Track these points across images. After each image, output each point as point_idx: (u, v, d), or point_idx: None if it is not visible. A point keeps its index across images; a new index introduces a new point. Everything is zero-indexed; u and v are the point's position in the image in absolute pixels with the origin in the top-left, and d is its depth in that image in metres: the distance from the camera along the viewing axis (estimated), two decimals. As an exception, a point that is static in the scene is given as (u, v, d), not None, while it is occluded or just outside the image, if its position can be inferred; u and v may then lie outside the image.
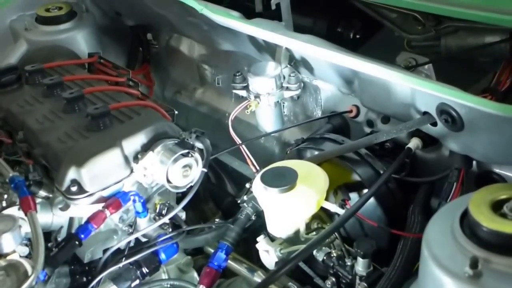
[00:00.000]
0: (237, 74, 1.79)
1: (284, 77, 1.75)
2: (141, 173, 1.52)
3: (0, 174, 1.55)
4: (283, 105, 1.89)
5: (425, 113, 1.41)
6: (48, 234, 1.51)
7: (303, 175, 1.42)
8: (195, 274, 1.63)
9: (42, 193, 1.52)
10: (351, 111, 1.74)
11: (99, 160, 1.47)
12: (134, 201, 1.51)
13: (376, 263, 1.38)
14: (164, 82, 2.51)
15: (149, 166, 1.50)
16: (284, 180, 1.41)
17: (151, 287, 1.51)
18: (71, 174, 1.47)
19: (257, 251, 1.50)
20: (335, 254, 1.44)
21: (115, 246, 1.52)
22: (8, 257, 1.31)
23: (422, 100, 1.39)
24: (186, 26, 2.10)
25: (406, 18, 1.69)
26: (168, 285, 1.55)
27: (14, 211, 1.46)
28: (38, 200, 1.49)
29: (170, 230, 1.57)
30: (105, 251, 1.53)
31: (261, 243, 1.49)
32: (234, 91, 1.81)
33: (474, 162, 1.46)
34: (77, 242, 1.43)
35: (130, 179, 1.53)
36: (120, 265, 1.48)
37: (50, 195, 1.53)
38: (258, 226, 1.59)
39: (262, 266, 1.54)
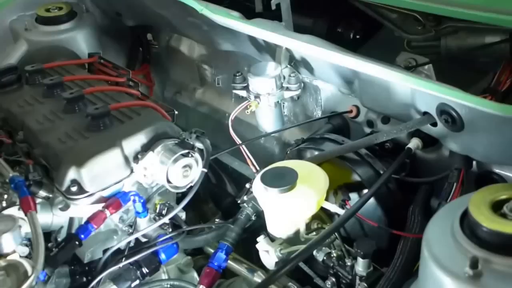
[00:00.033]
0: (237, 74, 1.79)
1: (284, 77, 1.75)
2: (141, 173, 1.52)
3: (0, 174, 1.55)
4: (283, 105, 1.89)
5: (425, 113, 1.41)
6: (48, 234, 1.51)
7: (303, 175, 1.42)
8: (195, 274, 1.63)
9: (42, 193, 1.52)
10: (351, 111, 1.74)
11: (99, 160, 1.47)
12: (134, 201, 1.51)
13: (376, 263, 1.38)
14: (164, 82, 2.51)
15: (149, 166, 1.50)
16: (284, 180, 1.41)
17: (151, 287, 1.51)
18: (71, 174, 1.47)
19: (257, 251, 1.50)
20: (335, 254, 1.44)
21: (115, 246, 1.52)
22: (8, 257, 1.31)
23: (422, 100, 1.39)
24: (186, 26, 2.10)
25: (406, 18, 1.69)
26: (168, 285, 1.55)
27: (14, 211, 1.46)
28: (38, 200, 1.49)
29: (170, 230, 1.57)
30: (105, 251, 1.53)
31: (261, 243, 1.49)
32: (234, 91, 1.81)
33: (474, 162, 1.46)
34: (77, 242, 1.43)
35: (130, 179, 1.53)
36: (120, 265, 1.48)
37: (50, 195, 1.53)
38: (258, 226, 1.59)
39: (262, 266, 1.54)
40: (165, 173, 1.49)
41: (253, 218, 1.58)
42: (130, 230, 1.57)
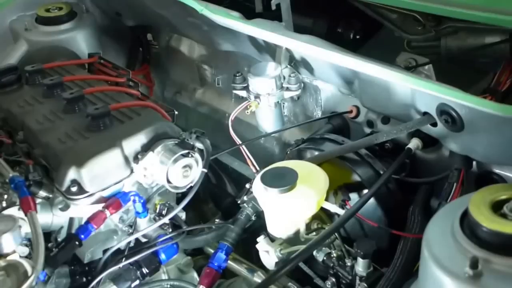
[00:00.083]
0: (237, 75, 1.79)
1: (284, 78, 1.75)
2: (141, 173, 1.52)
3: (0, 174, 1.55)
4: (283, 106, 1.90)
5: (425, 113, 1.41)
6: (48, 234, 1.51)
7: (303, 175, 1.42)
8: (195, 275, 1.63)
9: (42, 193, 1.52)
10: (351, 112, 1.74)
11: (99, 160, 1.47)
12: (134, 201, 1.51)
13: (376, 263, 1.38)
14: (164, 83, 2.51)
15: (149, 166, 1.50)
16: (284, 180, 1.41)
17: (151, 287, 1.51)
18: (71, 174, 1.46)
19: (257, 251, 1.50)
20: (335, 255, 1.44)
21: (115, 246, 1.52)
22: (8, 257, 1.31)
23: (422, 101, 1.39)
24: (186, 27, 2.10)
25: (406, 18, 1.69)
26: (168, 286, 1.55)
27: (14, 211, 1.46)
28: (38, 200, 1.49)
29: (170, 230, 1.57)
30: (105, 251, 1.53)
31: (261, 244, 1.49)
32: (234, 91, 1.81)
33: (474, 163, 1.46)
34: (77, 243, 1.43)
35: (130, 179, 1.53)
36: (120, 265, 1.48)
37: (50, 195, 1.53)
38: (258, 226, 1.59)
39: (262, 267, 1.54)
40: (165, 173, 1.49)
41: (253, 218, 1.58)
42: (130, 230, 1.57)
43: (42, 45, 2.18)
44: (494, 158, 1.41)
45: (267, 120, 1.84)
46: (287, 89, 1.75)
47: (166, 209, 1.57)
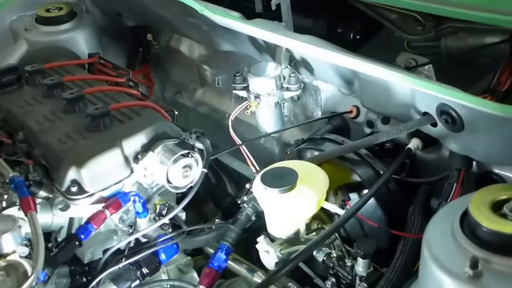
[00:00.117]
0: (237, 75, 1.79)
1: (284, 78, 1.75)
2: (141, 173, 1.52)
3: (0, 174, 1.55)
4: (283, 106, 1.90)
5: (425, 113, 1.41)
6: (48, 235, 1.51)
7: (303, 175, 1.42)
8: (195, 275, 1.63)
9: (42, 193, 1.52)
10: (351, 112, 1.74)
11: (99, 160, 1.47)
12: (134, 201, 1.51)
13: (376, 263, 1.38)
14: (164, 83, 2.51)
15: (149, 166, 1.50)
16: (284, 180, 1.41)
17: (151, 287, 1.51)
18: (71, 174, 1.46)
19: (257, 251, 1.50)
20: (335, 255, 1.44)
21: (115, 246, 1.52)
22: (8, 257, 1.31)
23: (422, 101, 1.39)
24: (186, 27, 2.10)
25: (406, 18, 1.69)
26: (168, 286, 1.55)
27: (14, 211, 1.46)
28: (38, 201, 1.49)
29: (170, 230, 1.57)
30: (105, 251, 1.53)
31: (261, 244, 1.49)
32: (234, 91, 1.81)
33: (474, 163, 1.46)
34: (77, 243, 1.43)
35: (130, 179, 1.53)
36: (120, 265, 1.48)
37: (50, 196, 1.53)
38: (258, 226, 1.59)
39: (262, 267, 1.54)
40: (165, 173, 1.49)
41: (253, 218, 1.58)
42: (130, 230, 1.57)
43: (42, 45, 2.18)
44: (494, 158, 1.41)
45: (267, 120, 1.84)
46: (287, 89, 1.75)
47: (166, 209, 1.57)
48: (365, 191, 1.52)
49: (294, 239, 1.47)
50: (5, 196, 1.51)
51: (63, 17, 2.22)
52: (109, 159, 1.49)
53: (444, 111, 1.32)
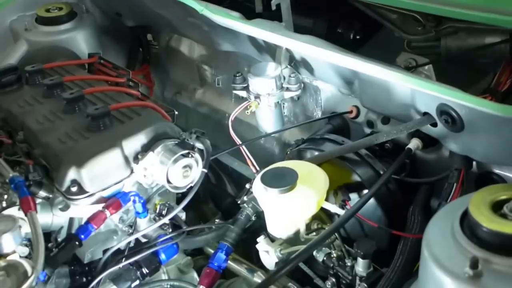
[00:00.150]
0: (237, 75, 1.79)
1: (284, 78, 1.75)
2: (141, 173, 1.51)
3: (0, 174, 1.55)
4: (283, 106, 1.90)
5: (425, 113, 1.41)
6: (48, 235, 1.51)
7: (303, 175, 1.42)
8: (195, 275, 1.63)
9: (42, 193, 1.52)
10: (351, 112, 1.74)
11: (99, 160, 1.47)
12: (134, 201, 1.51)
13: (376, 263, 1.38)
14: (164, 83, 2.51)
15: (149, 166, 1.50)
16: (284, 180, 1.41)
17: (151, 287, 1.51)
18: (71, 174, 1.46)
19: (257, 251, 1.50)
20: (335, 255, 1.44)
21: (115, 246, 1.52)
22: (8, 257, 1.31)
23: (422, 101, 1.39)
24: (186, 27, 2.10)
25: (406, 18, 1.69)
26: (168, 286, 1.55)
27: (14, 211, 1.46)
28: (38, 201, 1.49)
29: (170, 230, 1.57)
30: (105, 251, 1.53)
31: (261, 244, 1.49)
32: (234, 91, 1.81)
33: (474, 163, 1.46)
34: (77, 243, 1.43)
35: (130, 179, 1.53)
36: (120, 265, 1.48)
37: (50, 196, 1.53)
38: (258, 226, 1.59)
39: (262, 267, 1.54)
40: (165, 174, 1.49)
41: (253, 218, 1.59)
42: (130, 231, 1.57)
43: (42, 45, 2.18)
44: (494, 158, 1.41)
45: (267, 120, 1.84)
46: (287, 89, 1.75)
47: (166, 209, 1.57)
48: (365, 191, 1.52)
49: (294, 239, 1.47)
50: (5, 196, 1.51)
51: (63, 17, 2.22)
52: (109, 159, 1.49)
53: (444, 111, 1.32)
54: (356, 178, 1.55)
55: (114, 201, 1.49)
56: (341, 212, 1.45)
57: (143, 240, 1.57)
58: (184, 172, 1.51)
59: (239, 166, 2.08)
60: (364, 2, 1.69)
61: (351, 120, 1.76)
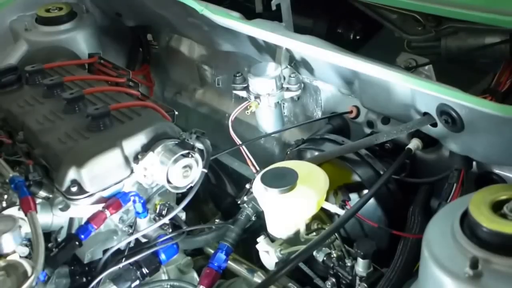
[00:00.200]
0: (237, 75, 1.79)
1: (284, 78, 1.75)
2: (141, 173, 1.51)
3: (0, 174, 1.55)
4: (283, 106, 1.90)
5: (425, 113, 1.41)
6: (48, 235, 1.51)
7: (303, 175, 1.42)
8: (195, 275, 1.63)
9: (42, 193, 1.52)
10: (351, 112, 1.74)
11: (99, 160, 1.47)
12: (134, 201, 1.51)
13: (376, 263, 1.38)
14: (164, 83, 2.51)
15: (149, 166, 1.50)
16: (284, 180, 1.41)
17: (151, 287, 1.51)
18: (71, 174, 1.46)
19: (257, 251, 1.50)
20: (335, 255, 1.44)
21: (115, 246, 1.52)
22: (8, 257, 1.31)
23: (422, 101, 1.39)
24: (186, 27, 2.11)
25: (406, 19, 1.69)
26: (168, 286, 1.55)
27: (14, 211, 1.46)
28: (38, 201, 1.49)
29: (170, 230, 1.57)
30: (105, 251, 1.53)
31: (261, 244, 1.49)
32: (234, 91, 1.81)
33: (474, 163, 1.46)
34: (77, 243, 1.43)
35: (130, 179, 1.53)
36: (120, 265, 1.48)
37: (50, 196, 1.53)
38: (258, 226, 1.59)
39: (262, 267, 1.54)
40: (165, 174, 1.49)
41: (253, 218, 1.59)
42: (130, 231, 1.57)
43: (42, 45, 2.18)
44: (494, 158, 1.41)
45: (267, 121, 1.84)
46: (287, 89, 1.75)
47: (166, 209, 1.57)
48: (365, 191, 1.52)
49: (294, 239, 1.47)
50: (5, 196, 1.51)
51: (63, 17, 2.22)
52: (109, 159, 1.49)
53: (444, 111, 1.32)
54: (356, 178, 1.55)
55: (114, 201, 1.49)
56: (341, 212, 1.45)
57: (143, 240, 1.57)
58: (184, 172, 1.51)
59: (239, 166, 2.08)
60: (364, 2, 1.69)
61: (351, 120, 1.76)
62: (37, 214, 1.41)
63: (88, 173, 1.46)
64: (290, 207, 1.41)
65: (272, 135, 1.95)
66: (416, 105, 1.42)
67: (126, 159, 1.51)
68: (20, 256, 1.32)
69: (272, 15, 1.84)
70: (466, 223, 1.03)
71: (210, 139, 1.60)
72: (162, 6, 2.04)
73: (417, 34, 1.69)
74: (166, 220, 1.54)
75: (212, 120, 2.25)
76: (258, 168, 1.66)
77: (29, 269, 1.27)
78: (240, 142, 1.72)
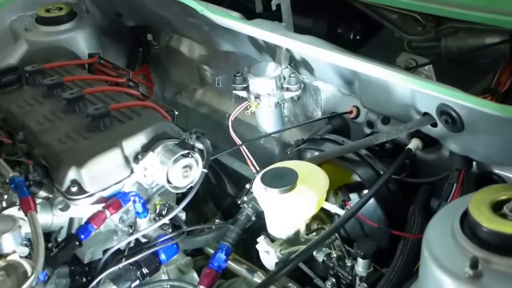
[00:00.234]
0: (237, 75, 1.79)
1: (284, 78, 1.75)
2: (141, 173, 1.52)
3: (0, 174, 1.55)
4: (283, 106, 1.90)
5: (425, 114, 1.41)
6: (48, 235, 1.51)
7: (303, 175, 1.42)
8: (195, 275, 1.63)
9: (42, 193, 1.52)
10: (351, 112, 1.74)
11: (99, 160, 1.47)
12: (134, 201, 1.51)
13: (376, 263, 1.38)
14: (164, 83, 2.51)
15: (149, 166, 1.50)
16: (284, 180, 1.41)
17: (151, 287, 1.51)
18: (71, 174, 1.46)
19: (257, 251, 1.50)
20: (335, 255, 1.44)
21: (115, 246, 1.52)
22: (8, 257, 1.31)
23: (422, 101, 1.39)
24: (186, 27, 2.11)
25: (406, 19, 1.69)
26: (168, 286, 1.55)
27: (14, 211, 1.46)
28: (38, 201, 1.49)
29: (170, 230, 1.57)
30: (105, 251, 1.53)
31: (261, 244, 1.49)
32: (234, 91, 1.81)
33: (474, 163, 1.46)
34: (77, 243, 1.43)
35: (130, 179, 1.53)
36: (120, 265, 1.48)
37: (50, 196, 1.53)
38: (258, 226, 1.59)
39: (262, 267, 1.54)
40: (165, 174, 1.49)
41: (253, 218, 1.59)
42: (130, 231, 1.57)
43: (42, 45, 2.18)
44: (494, 159, 1.41)
45: (267, 121, 1.84)
46: (287, 89, 1.75)
47: (166, 209, 1.57)
48: (365, 191, 1.52)
49: (294, 239, 1.47)
50: (5, 196, 1.51)
51: (63, 17, 2.22)
52: (109, 159, 1.49)
53: (444, 111, 1.32)
54: (356, 178, 1.55)
55: (114, 201, 1.49)
56: (341, 212, 1.45)
57: (143, 240, 1.57)
58: (184, 172, 1.51)
59: (239, 166, 2.08)
60: (364, 2, 1.69)
61: (351, 120, 1.76)
62: (37, 214, 1.41)
63: (88, 173, 1.46)
64: (290, 207, 1.41)
65: (272, 135, 1.95)
66: (416, 105, 1.42)
67: (126, 159, 1.51)
68: (20, 256, 1.32)
69: (272, 15, 1.84)
70: (466, 223, 1.03)
71: (210, 139, 1.60)
72: (162, 6, 2.04)
73: (417, 34, 1.69)
74: (166, 220, 1.54)
75: (212, 120, 2.25)
76: (258, 168, 1.66)
77: (29, 269, 1.27)
78: (240, 142, 1.72)
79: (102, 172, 1.48)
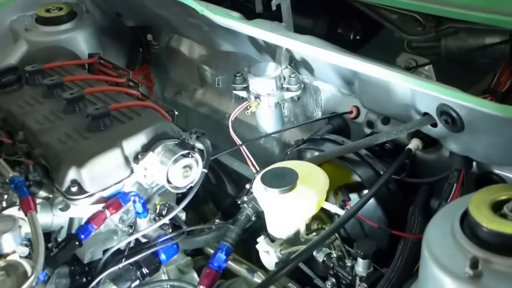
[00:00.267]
0: (237, 75, 1.79)
1: (284, 78, 1.75)
2: (141, 173, 1.52)
3: (0, 174, 1.55)
4: (283, 106, 1.90)
5: (425, 114, 1.41)
6: (48, 235, 1.51)
7: (303, 176, 1.42)
8: (195, 275, 1.63)
9: (42, 193, 1.52)
10: (351, 112, 1.74)
11: (99, 160, 1.47)
12: (134, 201, 1.51)
13: (376, 264, 1.38)
14: (164, 83, 2.51)
15: (149, 166, 1.50)
16: (284, 180, 1.41)
17: (151, 287, 1.51)
18: (71, 174, 1.46)
19: (257, 251, 1.50)
20: (335, 255, 1.44)
21: (115, 246, 1.52)
22: (8, 257, 1.31)
23: (422, 101, 1.39)
24: (186, 27, 2.11)
25: (406, 19, 1.69)
26: (168, 286, 1.55)
27: (14, 211, 1.46)
28: (38, 201, 1.49)
29: (170, 230, 1.57)
30: (105, 251, 1.53)
31: (261, 244, 1.49)
32: (234, 92, 1.81)
33: (474, 163, 1.46)
34: (77, 243, 1.43)
35: (130, 179, 1.53)
36: (120, 265, 1.48)
37: (50, 196, 1.53)
38: (258, 226, 1.59)
39: (262, 267, 1.54)
40: (165, 174, 1.49)
41: (253, 218, 1.59)
42: (130, 231, 1.57)
43: (42, 45, 2.18)
44: (494, 159, 1.41)
45: (267, 121, 1.84)
46: (287, 89, 1.75)
47: (166, 209, 1.57)
48: (365, 191, 1.52)
49: (294, 239, 1.47)
50: (5, 196, 1.51)
51: (63, 17, 2.22)
52: (109, 159, 1.49)
53: (444, 111, 1.32)
54: (356, 178, 1.55)
55: (114, 201, 1.49)
56: (341, 212, 1.45)
57: (143, 240, 1.57)
58: (184, 172, 1.51)
59: (239, 166, 2.08)
60: (364, 2, 1.69)
61: (351, 121, 1.76)
62: (37, 214, 1.41)
63: (88, 173, 1.46)
64: (290, 207, 1.41)
65: (272, 135, 1.95)
66: (416, 105, 1.42)
67: (126, 159, 1.51)
68: (20, 256, 1.32)
69: (272, 15, 1.84)
70: (466, 223, 1.03)
71: (210, 139, 1.60)
72: (162, 6, 2.04)
73: (417, 34, 1.69)
74: (166, 220, 1.54)
75: (212, 120, 2.25)
76: (258, 168, 1.66)
77: (29, 269, 1.27)
78: (240, 142, 1.72)
79: (102, 172, 1.48)
